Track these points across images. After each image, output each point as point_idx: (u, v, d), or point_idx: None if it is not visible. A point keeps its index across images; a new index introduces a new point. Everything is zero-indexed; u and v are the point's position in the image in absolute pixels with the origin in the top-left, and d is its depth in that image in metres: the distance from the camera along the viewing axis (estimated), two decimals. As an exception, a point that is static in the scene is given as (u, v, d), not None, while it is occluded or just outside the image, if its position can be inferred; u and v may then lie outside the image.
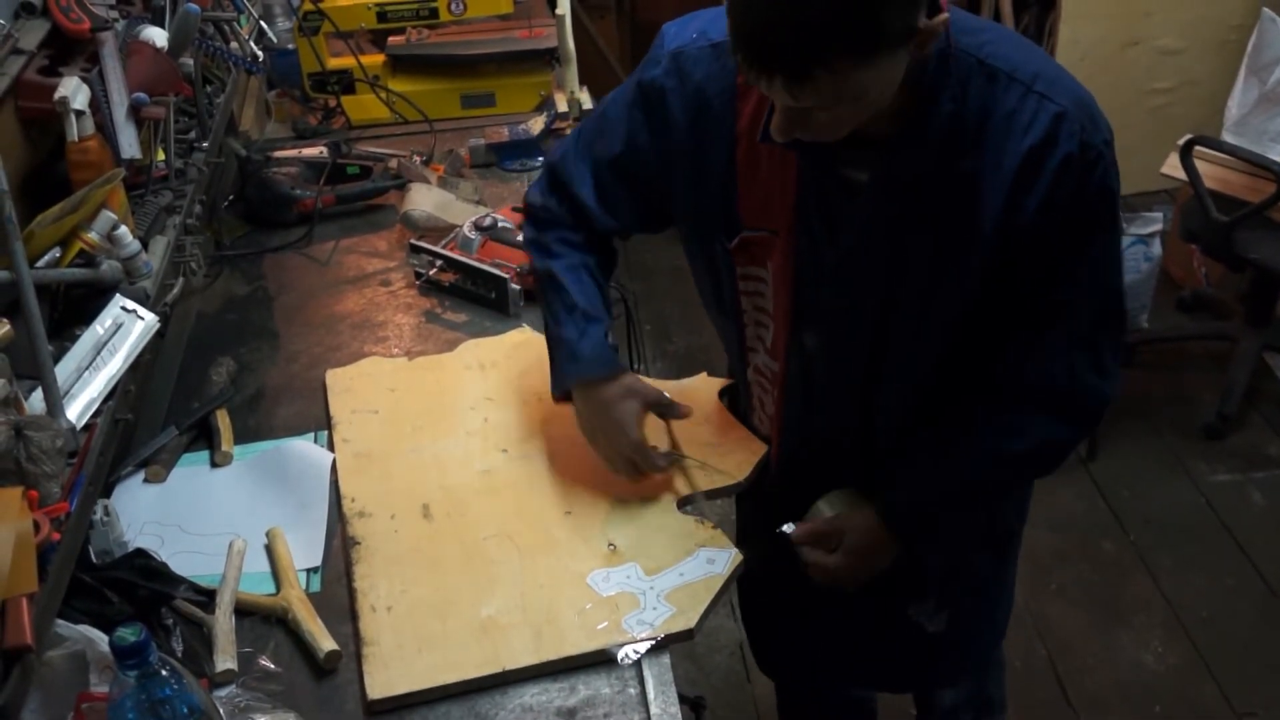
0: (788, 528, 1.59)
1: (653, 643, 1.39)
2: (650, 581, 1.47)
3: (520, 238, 2.03)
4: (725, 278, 1.53)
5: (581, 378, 1.58)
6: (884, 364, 1.48)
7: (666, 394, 1.63)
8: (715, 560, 1.49)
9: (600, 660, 1.38)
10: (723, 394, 1.76)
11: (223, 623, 1.43)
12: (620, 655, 1.38)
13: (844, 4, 1.10)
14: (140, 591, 1.41)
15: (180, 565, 1.50)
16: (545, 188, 1.62)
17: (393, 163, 2.37)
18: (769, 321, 1.53)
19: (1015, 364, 1.44)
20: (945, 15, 1.19)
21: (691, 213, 1.51)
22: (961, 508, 1.58)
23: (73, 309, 1.49)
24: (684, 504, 1.59)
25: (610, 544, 1.52)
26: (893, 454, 1.55)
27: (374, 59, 2.69)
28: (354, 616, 1.45)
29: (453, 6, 2.64)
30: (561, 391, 1.63)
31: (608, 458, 1.58)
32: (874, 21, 1.12)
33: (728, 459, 1.65)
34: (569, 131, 2.47)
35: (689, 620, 1.42)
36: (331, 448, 1.73)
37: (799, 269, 1.44)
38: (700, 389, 1.78)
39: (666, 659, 1.39)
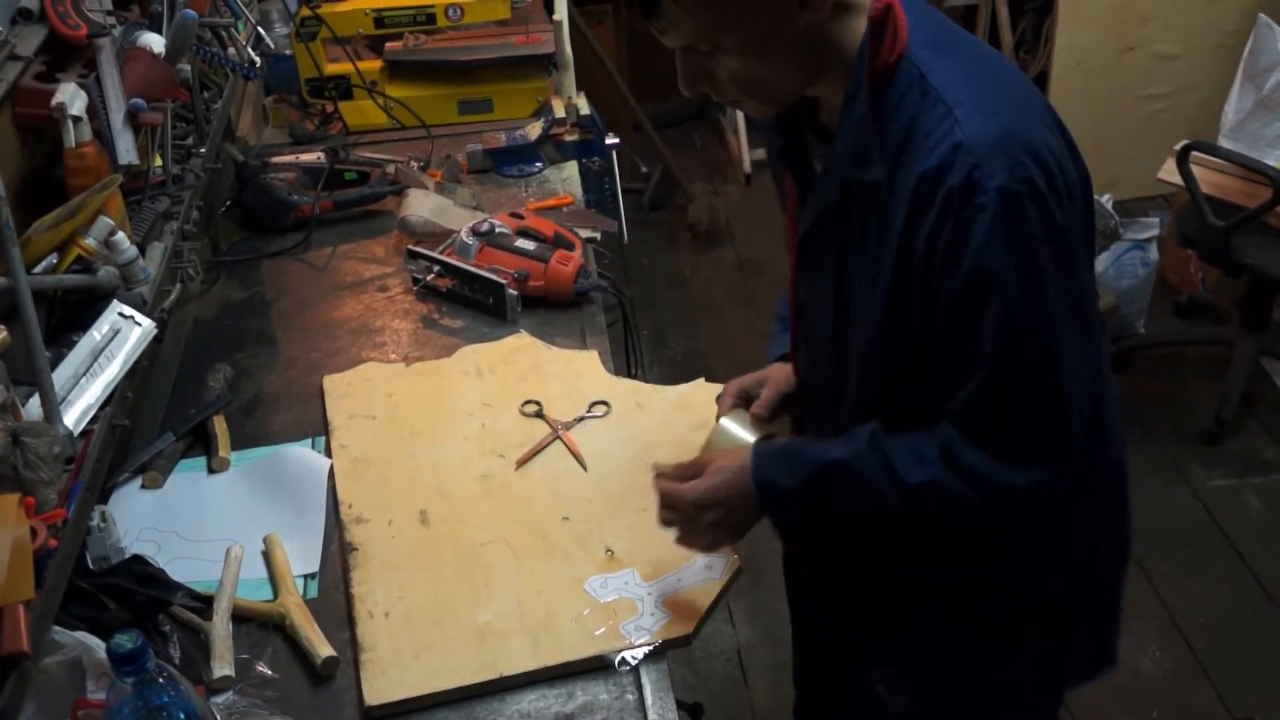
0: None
1: (650, 648, 1.39)
2: (648, 587, 1.47)
3: (516, 243, 2.04)
4: None
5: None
6: (845, 383, 1.40)
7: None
8: (713, 566, 1.49)
9: (598, 666, 1.38)
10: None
11: (220, 629, 1.43)
12: (618, 661, 1.38)
13: None
14: (137, 598, 1.41)
15: (177, 571, 1.50)
16: None
17: (390, 168, 2.37)
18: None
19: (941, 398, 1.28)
20: None
21: (781, 196, 1.52)
22: (834, 500, 1.34)
23: (70, 315, 1.49)
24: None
25: (608, 550, 1.52)
26: None
27: (371, 65, 2.69)
28: (351, 622, 1.45)
29: (450, 12, 2.64)
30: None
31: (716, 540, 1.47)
32: None
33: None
34: (566, 137, 2.48)
35: (686, 626, 1.42)
36: (329, 453, 1.73)
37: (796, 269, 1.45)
38: (698, 395, 1.78)
39: (664, 665, 1.39)
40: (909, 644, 1.52)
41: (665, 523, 1.43)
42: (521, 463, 1.68)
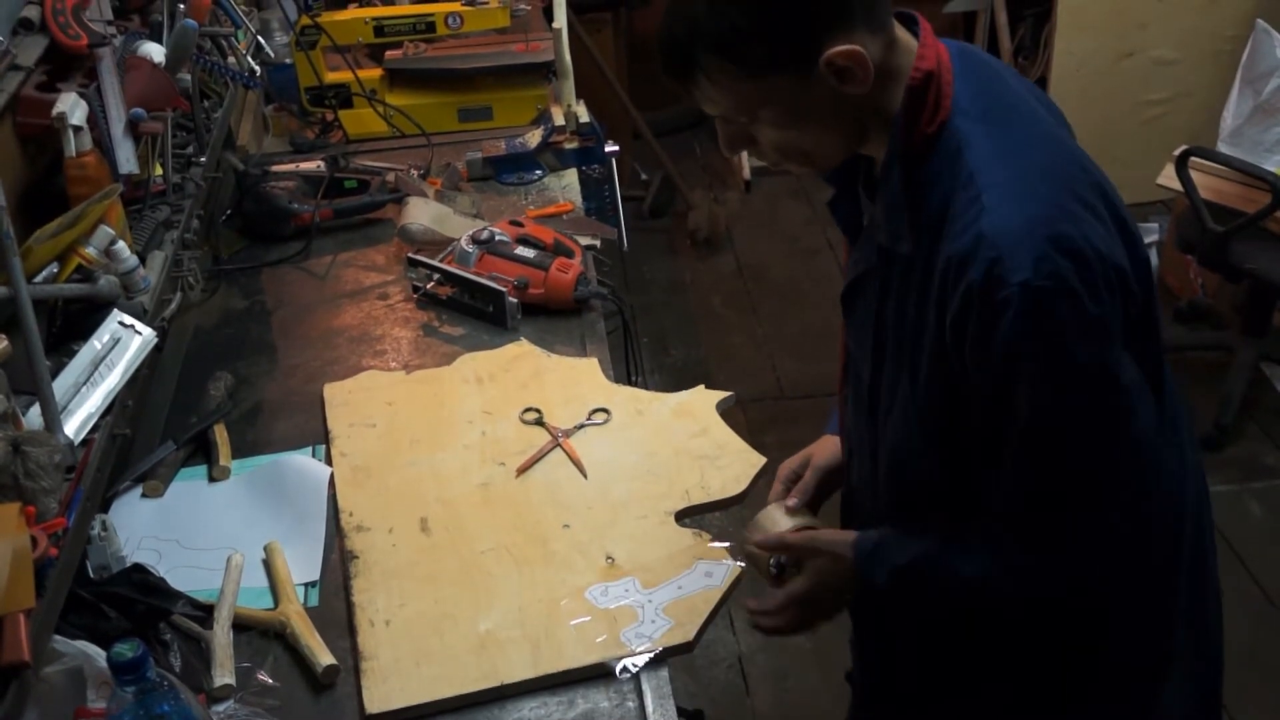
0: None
1: (651, 656, 1.39)
2: (648, 595, 1.47)
3: (516, 251, 2.05)
4: None
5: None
6: (880, 441, 1.37)
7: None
8: (713, 573, 1.49)
9: (599, 674, 1.38)
10: None
11: (221, 638, 1.43)
12: (619, 669, 1.38)
13: (711, 12, 1.14)
14: (138, 607, 1.41)
15: (178, 580, 1.50)
16: None
17: (390, 176, 2.38)
18: None
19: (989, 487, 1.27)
20: (856, 48, 1.13)
21: None
22: (936, 583, 1.35)
23: (70, 324, 1.50)
24: (682, 517, 1.59)
25: (608, 557, 1.52)
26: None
27: (371, 73, 2.69)
28: (352, 631, 1.45)
29: (450, 20, 2.65)
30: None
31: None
32: (732, 30, 1.14)
33: (725, 472, 1.65)
34: (566, 145, 2.49)
35: (687, 633, 1.41)
36: (329, 461, 1.73)
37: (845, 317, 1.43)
38: (698, 402, 1.79)
39: (665, 672, 1.39)
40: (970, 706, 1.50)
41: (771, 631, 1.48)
42: (522, 470, 1.68)
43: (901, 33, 1.21)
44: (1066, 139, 1.27)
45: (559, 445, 1.71)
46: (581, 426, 1.75)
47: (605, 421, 1.76)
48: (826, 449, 1.58)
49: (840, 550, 1.39)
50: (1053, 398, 1.15)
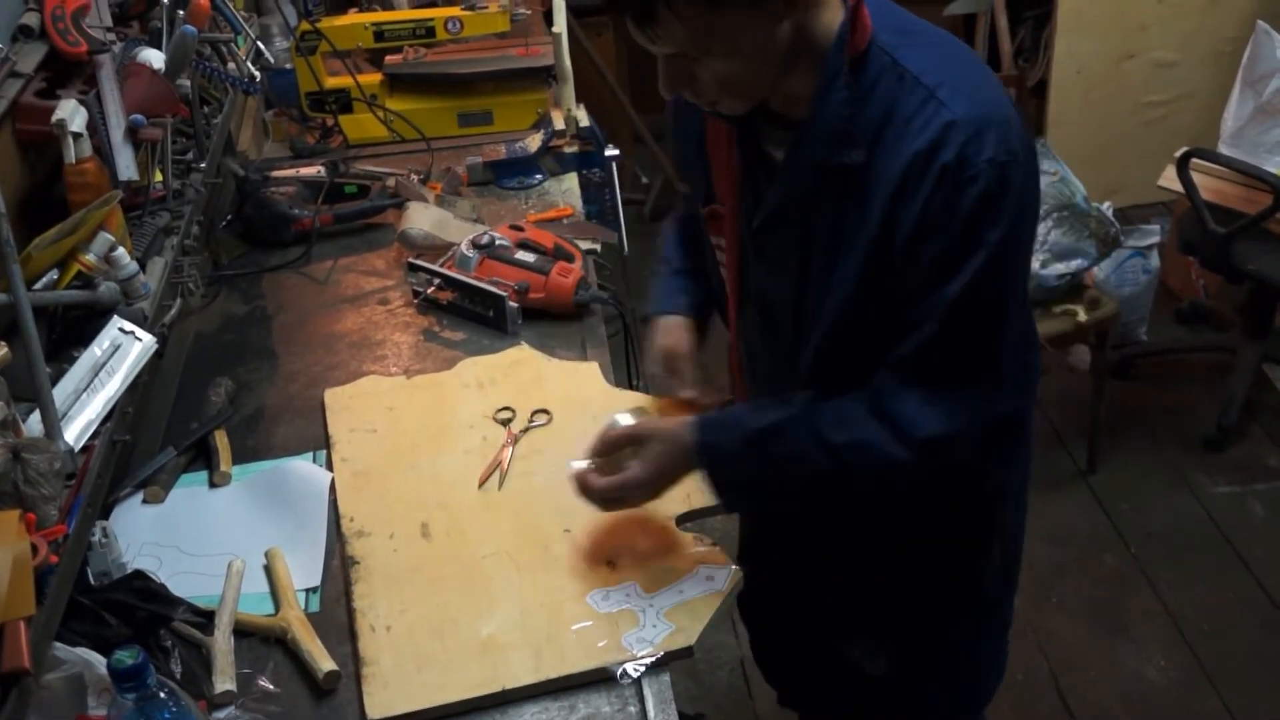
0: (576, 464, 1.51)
1: (653, 660, 1.39)
2: (649, 599, 1.46)
3: (517, 255, 2.05)
4: (706, 245, 1.60)
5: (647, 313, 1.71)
6: (801, 354, 1.47)
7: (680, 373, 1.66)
8: (714, 577, 1.49)
9: (600, 679, 1.38)
10: None
11: (221, 644, 1.42)
12: (620, 673, 1.38)
13: None
14: (139, 613, 1.41)
15: (179, 586, 1.50)
16: None
17: (390, 181, 2.38)
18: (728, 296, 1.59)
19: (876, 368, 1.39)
20: None
21: (692, 179, 1.60)
22: (769, 464, 1.44)
23: (70, 331, 1.49)
24: (683, 521, 1.59)
25: (609, 562, 1.52)
26: None
27: (371, 78, 2.69)
28: (353, 636, 1.45)
29: (449, 25, 2.65)
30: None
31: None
32: None
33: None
34: (566, 149, 2.49)
35: (689, 637, 1.41)
36: (330, 467, 1.73)
37: (740, 245, 1.50)
38: (698, 405, 1.78)
39: (666, 677, 1.39)
40: (887, 620, 1.67)
41: (606, 508, 1.52)
42: (482, 481, 1.66)
43: None
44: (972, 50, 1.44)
45: (510, 448, 1.71)
46: (528, 430, 1.75)
47: (548, 423, 1.76)
48: (680, 335, 1.67)
49: (677, 432, 1.47)
50: (997, 258, 1.28)
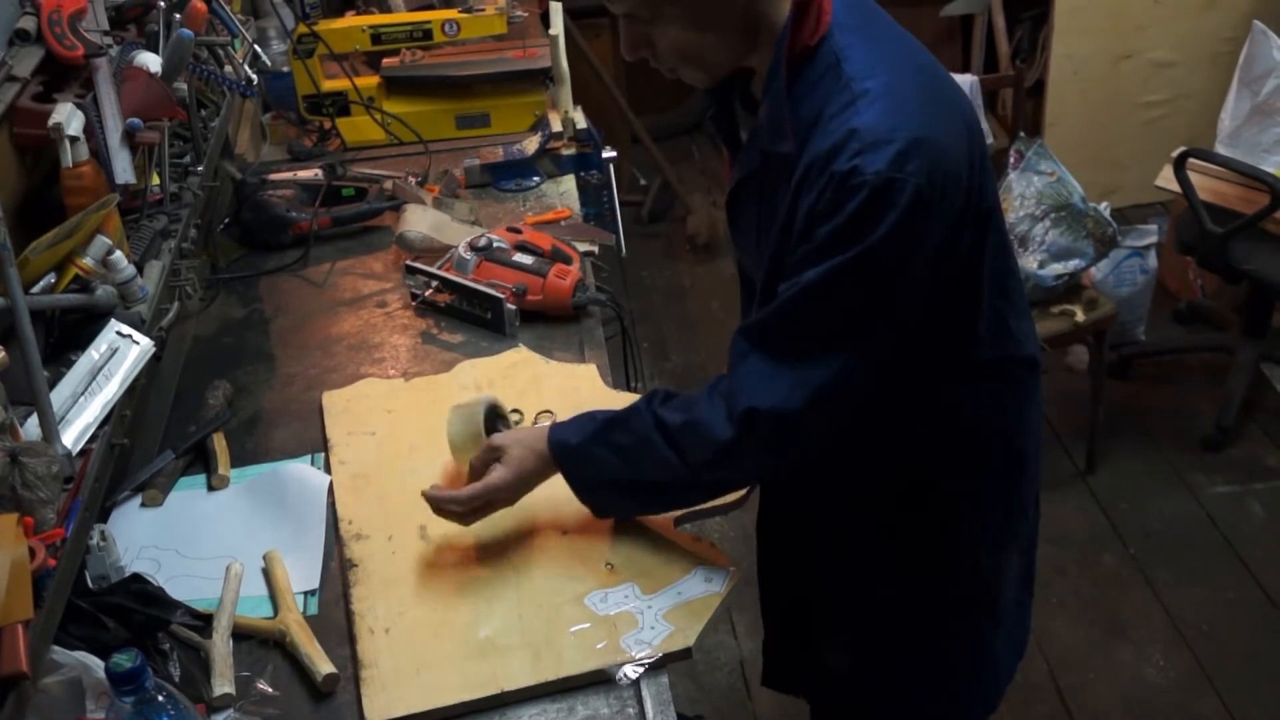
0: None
1: (651, 662, 1.39)
2: (648, 600, 1.47)
3: (514, 258, 2.05)
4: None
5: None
6: None
7: None
8: (713, 578, 1.49)
9: (599, 680, 1.38)
10: None
11: (220, 647, 1.42)
12: (619, 675, 1.38)
13: None
14: (137, 617, 1.41)
15: (177, 589, 1.50)
16: None
17: (388, 184, 2.38)
18: None
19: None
20: None
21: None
22: (617, 455, 1.45)
23: (68, 335, 1.49)
24: (681, 522, 1.59)
25: (608, 563, 1.52)
26: None
27: (369, 81, 2.69)
28: (352, 639, 1.45)
29: (447, 28, 2.65)
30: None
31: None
32: None
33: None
34: (564, 151, 2.49)
35: (687, 639, 1.41)
36: (328, 470, 1.73)
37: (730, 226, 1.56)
38: None
39: (665, 678, 1.39)
40: (855, 623, 1.65)
41: (470, 519, 1.53)
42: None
43: None
44: (939, 65, 1.39)
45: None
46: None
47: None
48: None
49: (535, 433, 1.51)
50: (858, 270, 1.27)
